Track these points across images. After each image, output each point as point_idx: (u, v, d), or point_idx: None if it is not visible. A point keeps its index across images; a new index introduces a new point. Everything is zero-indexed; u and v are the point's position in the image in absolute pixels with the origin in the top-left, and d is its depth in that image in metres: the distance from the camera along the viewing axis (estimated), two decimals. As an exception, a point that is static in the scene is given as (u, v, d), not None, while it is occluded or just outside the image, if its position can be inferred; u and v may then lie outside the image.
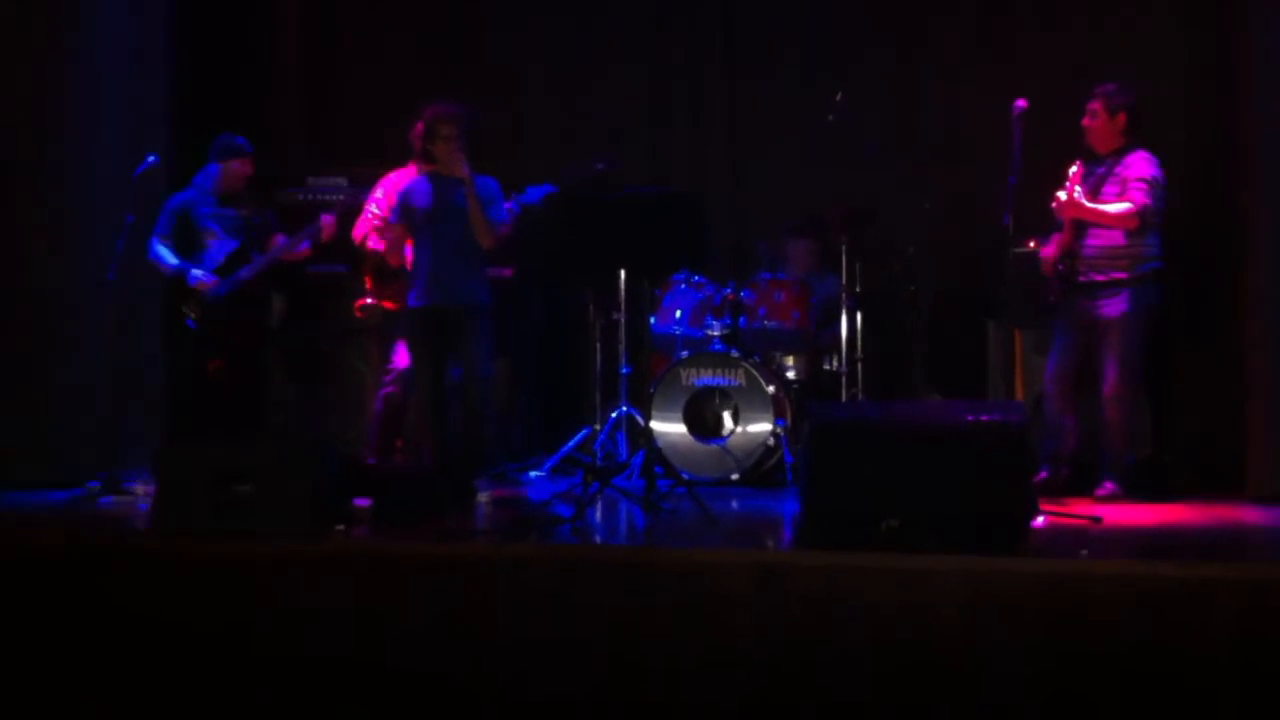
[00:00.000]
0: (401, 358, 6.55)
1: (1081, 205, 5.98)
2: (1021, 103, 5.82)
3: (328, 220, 6.61)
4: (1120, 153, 6.11)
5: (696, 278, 6.95)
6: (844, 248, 6.95)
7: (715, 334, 6.88)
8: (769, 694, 4.19)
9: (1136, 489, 6.00)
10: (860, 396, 6.93)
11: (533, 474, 6.97)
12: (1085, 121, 6.14)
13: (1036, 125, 5.87)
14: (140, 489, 5.99)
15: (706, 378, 6.75)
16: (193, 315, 6.56)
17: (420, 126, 6.19)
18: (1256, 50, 6.12)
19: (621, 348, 7.01)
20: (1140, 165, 6.05)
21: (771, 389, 6.66)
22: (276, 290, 7.09)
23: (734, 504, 5.95)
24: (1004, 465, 4.51)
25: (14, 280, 6.67)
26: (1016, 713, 4.06)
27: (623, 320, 6.97)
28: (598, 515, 5.58)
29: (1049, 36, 7.54)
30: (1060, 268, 6.12)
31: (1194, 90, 7.21)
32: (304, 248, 6.72)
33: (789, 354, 7.18)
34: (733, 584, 4.27)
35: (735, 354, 6.74)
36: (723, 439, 6.71)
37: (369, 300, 6.73)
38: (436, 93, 6.20)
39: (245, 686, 4.47)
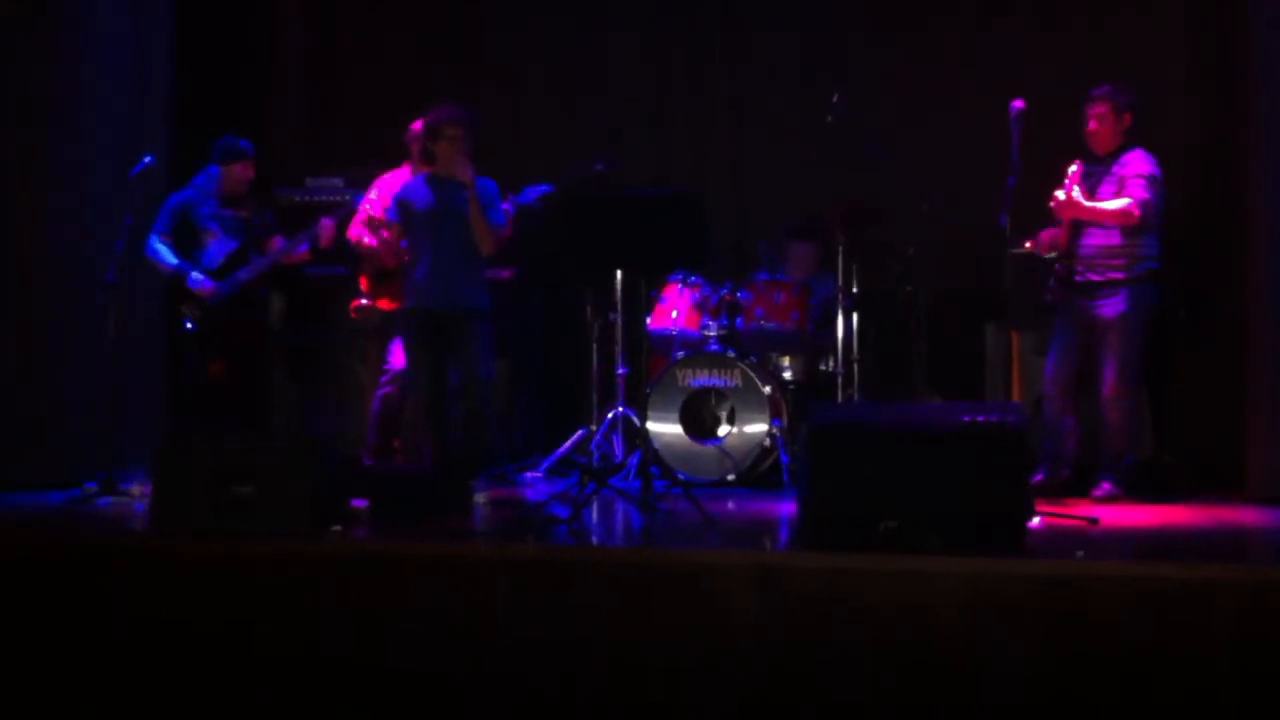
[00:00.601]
0: (398, 358, 6.55)
1: (1080, 204, 5.97)
2: (1019, 103, 5.81)
3: (327, 224, 6.61)
4: (1118, 152, 6.12)
5: (693, 278, 6.94)
6: (842, 248, 6.95)
7: (712, 335, 6.87)
8: (768, 695, 4.18)
9: (1136, 490, 6.00)
10: (856, 397, 6.93)
11: (529, 475, 6.96)
12: (1091, 126, 6.13)
13: (1035, 126, 5.85)
14: (138, 490, 5.98)
15: (703, 378, 6.74)
16: (192, 316, 6.56)
17: (418, 127, 6.18)
18: (1257, 50, 6.12)
19: (618, 348, 7.00)
20: (1138, 163, 6.05)
21: (768, 390, 6.66)
22: (275, 291, 7.09)
23: (730, 505, 5.94)
24: (1003, 466, 4.51)
25: (13, 280, 6.67)
26: (1016, 713, 4.05)
27: (619, 321, 6.97)
28: (594, 516, 5.57)
29: (1048, 36, 7.54)
30: (1058, 268, 6.12)
31: (1194, 90, 7.22)
32: (302, 251, 6.71)
33: (786, 355, 7.17)
34: (731, 585, 4.26)
35: (732, 355, 6.74)
36: (719, 440, 6.71)
37: (363, 301, 6.73)
38: (436, 93, 6.20)
39: (244, 687, 4.46)
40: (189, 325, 6.56)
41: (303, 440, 5.21)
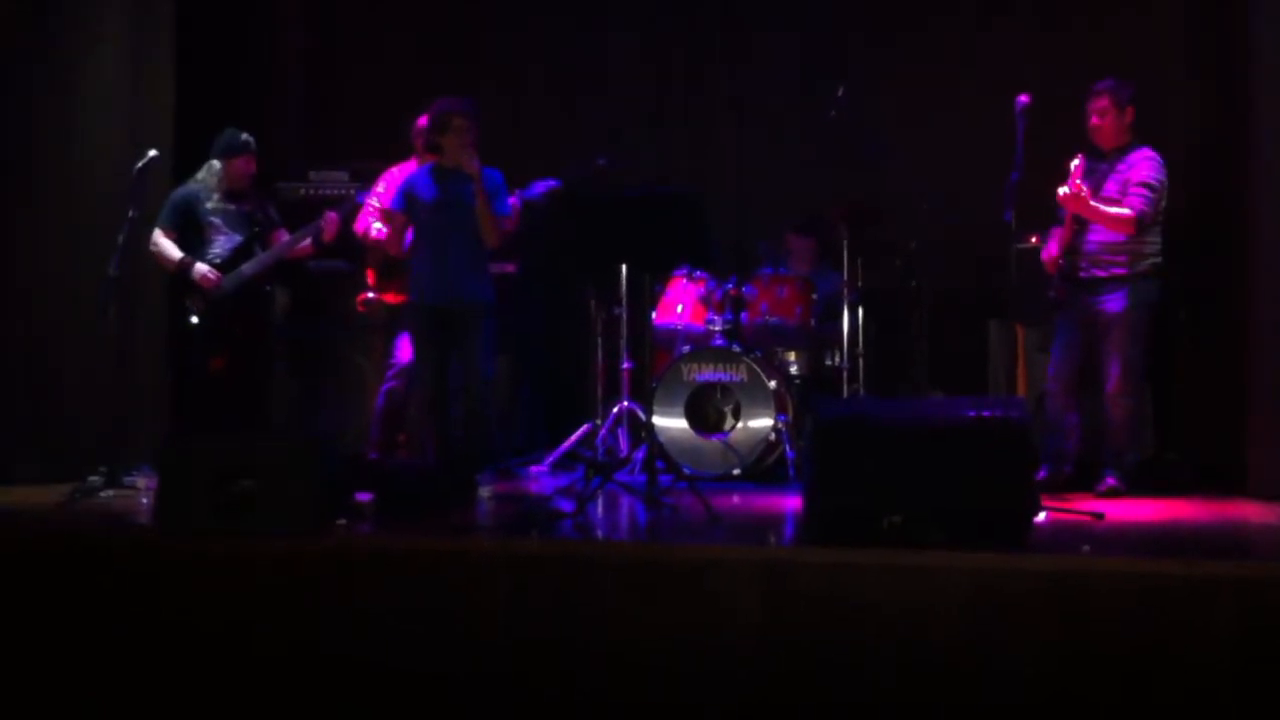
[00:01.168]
0: (404, 353, 6.55)
1: (1084, 203, 5.98)
2: (1024, 98, 5.83)
3: (331, 218, 6.60)
4: (1124, 150, 6.11)
5: (698, 273, 6.95)
6: (846, 244, 6.96)
7: (717, 329, 6.88)
8: (771, 690, 4.19)
9: (1139, 486, 6.01)
10: (861, 392, 6.94)
11: (534, 469, 6.97)
12: (1094, 121, 6.13)
13: (1038, 122, 5.88)
14: (141, 483, 5.98)
15: (708, 373, 6.75)
16: (195, 310, 6.56)
17: (424, 123, 6.19)
18: (1257, 50, 6.13)
19: (623, 343, 7.01)
20: (1143, 167, 6.04)
21: (773, 384, 6.67)
22: (279, 286, 7.09)
23: (735, 499, 5.94)
24: (1006, 461, 4.50)
25: (16, 274, 6.68)
26: (1018, 709, 4.06)
27: (624, 316, 6.98)
28: (599, 510, 5.57)
29: (1050, 34, 7.57)
30: (1062, 263, 6.13)
31: (1194, 90, 7.23)
32: (306, 244, 6.72)
33: (791, 349, 7.19)
34: (736, 580, 4.27)
35: (737, 349, 6.75)
36: (724, 434, 6.72)
37: (370, 295, 6.74)
38: (436, 92, 6.20)
39: (245, 685, 4.45)
40: (193, 319, 6.56)
41: (303, 439, 5.21)
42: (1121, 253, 6.03)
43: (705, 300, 6.94)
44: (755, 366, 6.68)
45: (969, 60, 7.66)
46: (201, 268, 6.54)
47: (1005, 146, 5.82)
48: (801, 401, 6.78)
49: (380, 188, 6.69)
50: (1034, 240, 6.28)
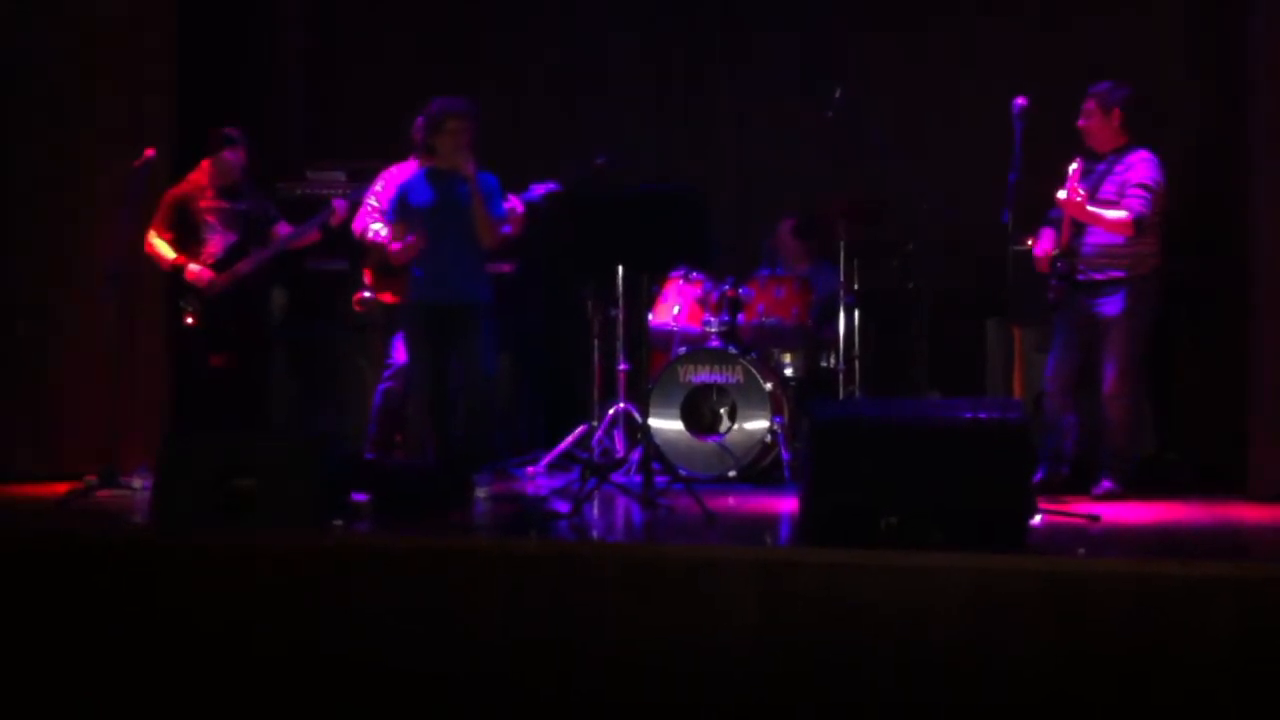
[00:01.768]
0: (401, 353, 6.54)
1: (1081, 207, 5.96)
2: (1021, 100, 5.82)
3: (339, 205, 6.61)
4: (1121, 151, 6.09)
5: (694, 274, 6.95)
6: (843, 244, 6.96)
7: (713, 331, 6.88)
8: (768, 691, 4.18)
9: (1137, 488, 6.00)
10: (858, 394, 6.93)
11: (531, 470, 6.97)
12: (1080, 122, 6.13)
13: (1037, 123, 5.87)
14: (138, 483, 5.97)
15: (704, 374, 6.75)
16: (193, 310, 6.56)
17: (423, 120, 6.18)
18: (1256, 50, 6.13)
19: (619, 344, 7.01)
20: (1141, 168, 6.02)
21: (769, 386, 6.66)
22: (277, 285, 7.09)
23: (731, 501, 5.94)
24: (1004, 462, 4.50)
25: (14, 273, 6.67)
26: (1016, 709, 4.06)
27: (621, 316, 6.97)
28: (595, 511, 5.58)
29: (1049, 34, 7.56)
30: (1060, 265, 6.12)
31: (1194, 90, 7.23)
32: (313, 234, 6.71)
33: (787, 351, 7.18)
34: (732, 581, 4.27)
35: (733, 351, 6.74)
36: (720, 436, 6.71)
37: (367, 294, 6.73)
38: (436, 92, 6.19)
39: (244, 683, 4.45)
40: (190, 319, 6.55)
41: (303, 438, 5.22)
42: (1119, 256, 6.02)
43: (702, 301, 6.94)
44: (751, 368, 6.68)
45: (968, 60, 7.66)
46: (194, 267, 6.54)
47: (1004, 147, 5.81)
48: (797, 403, 6.77)
49: (379, 187, 6.68)
50: (1029, 242, 6.27)
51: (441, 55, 8.15)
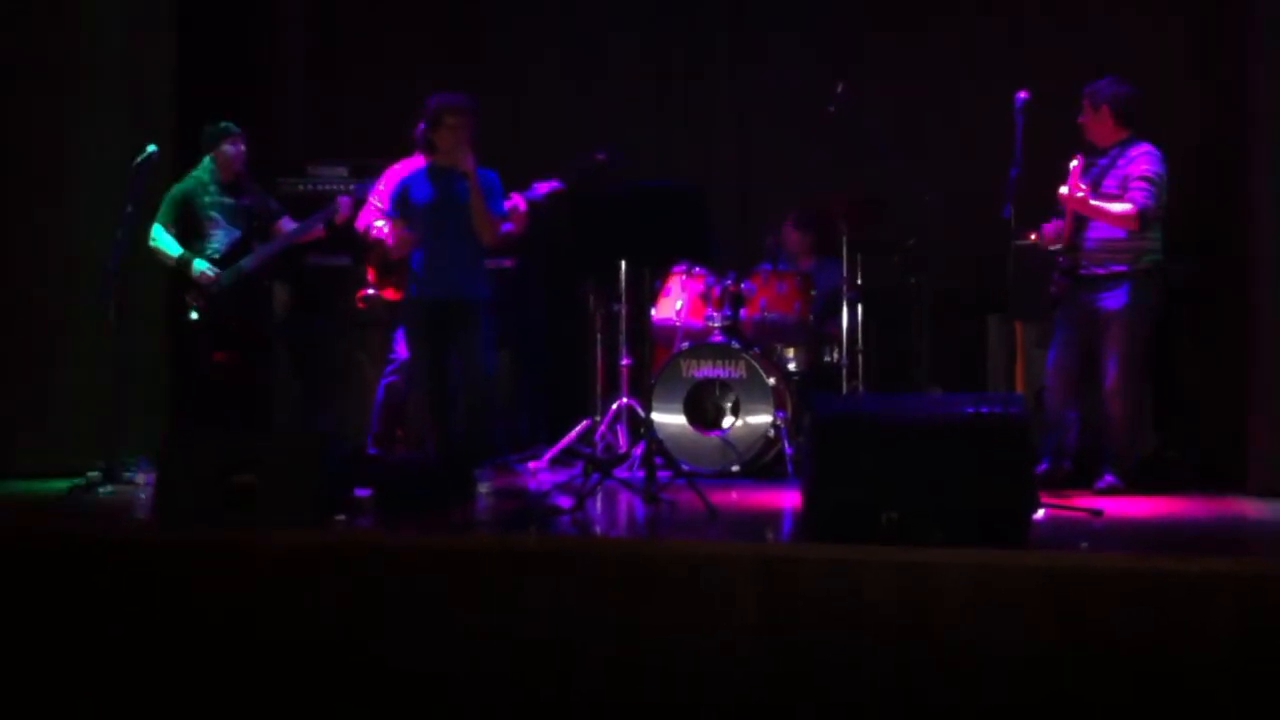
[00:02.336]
0: (404, 347, 6.55)
1: (1084, 202, 5.97)
2: (1023, 94, 5.83)
3: (344, 201, 6.61)
4: (1123, 145, 6.10)
5: (697, 269, 6.95)
6: (845, 241, 6.96)
7: (716, 326, 6.88)
8: (770, 686, 4.18)
9: (1138, 483, 6.01)
10: (860, 389, 6.94)
11: (533, 465, 6.97)
12: (1079, 119, 6.15)
13: (1038, 119, 5.88)
14: (140, 479, 5.98)
15: (707, 370, 6.75)
16: (196, 306, 6.56)
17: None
18: (1256, 49, 6.13)
19: (622, 339, 7.01)
20: (1142, 162, 6.03)
21: (772, 381, 6.67)
22: (280, 282, 7.09)
23: (734, 496, 5.94)
24: (1006, 458, 4.50)
25: (16, 271, 6.68)
26: (1017, 706, 4.06)
27: (623, 311, 6.98)
28: (598, 507, 5.58)
29: (1051, 29, 7.58)
30: (1062, 260, 6.13)
31: (1194, 89, 7.23)
32: (317, 230, 6.71)
33: (790, 346, 7.19)
34: (734, 576, 4.26)
35: (736, 346, 6.75)
36: (723, 431, 6.72)
37: (370, 291, 6.74)
38: (436, 91, 6.20)
39: (245, 680, 4.45)
40: (193, 315, 6.56)
41: (304, 435, 5.22)
42: (1121, 250, 6.03)
43: (704, 296, 6.95)
44: (754, 363, 6.68)
45: (969, 58, 7.66)
46: (200, 267, 6.54)
47: (1005, 143, 5.82)
48: (800, 398, 6.78)
49: (381, 185, 6.69)
50: (1032, 238, 6.28)
51: (441, 55, 8.16)
